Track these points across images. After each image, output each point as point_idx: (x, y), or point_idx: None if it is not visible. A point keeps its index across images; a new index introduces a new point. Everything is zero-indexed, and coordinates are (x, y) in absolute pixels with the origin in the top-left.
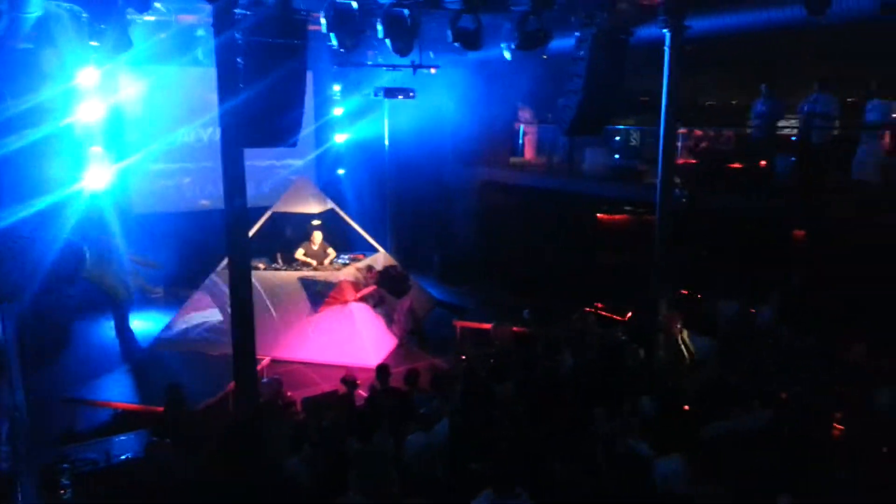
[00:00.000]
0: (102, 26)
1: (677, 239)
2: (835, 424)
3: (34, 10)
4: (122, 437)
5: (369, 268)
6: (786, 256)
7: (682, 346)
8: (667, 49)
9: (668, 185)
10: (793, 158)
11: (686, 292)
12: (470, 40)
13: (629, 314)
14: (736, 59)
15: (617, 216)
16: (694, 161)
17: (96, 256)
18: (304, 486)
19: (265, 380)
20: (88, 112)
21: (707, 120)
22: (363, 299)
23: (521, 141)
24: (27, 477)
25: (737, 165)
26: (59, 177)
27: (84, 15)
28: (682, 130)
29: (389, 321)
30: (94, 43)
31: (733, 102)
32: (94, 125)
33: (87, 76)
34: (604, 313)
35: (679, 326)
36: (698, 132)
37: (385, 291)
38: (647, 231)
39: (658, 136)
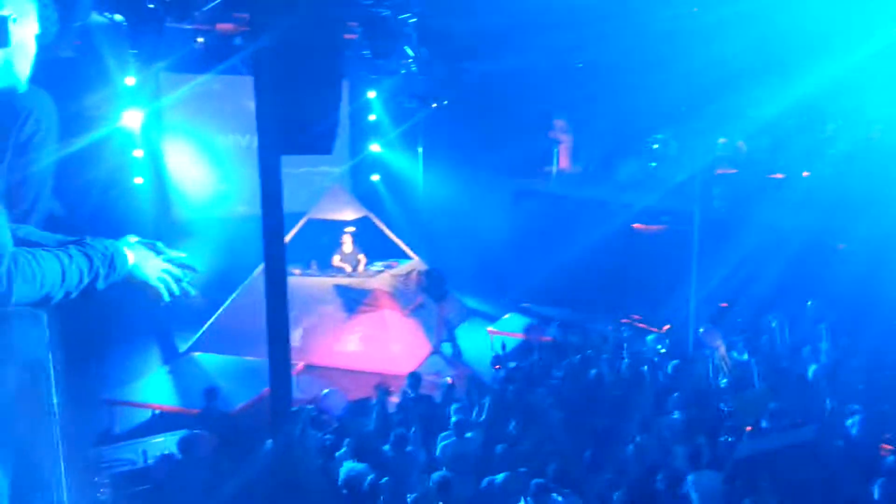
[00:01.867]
0: (142, 35)
1: (716, 250)
2: (883, 444)
3: (80, 20)
4: (160, 438)
5: (410, 272)
6: (828, 270)
7: (721, 361)
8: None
9: (706, 196)
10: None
11: (725, 305)
12: None
13: (666, 326)
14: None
15: (653, 226)
16: (734, 171)
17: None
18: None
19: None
20: (129, 118)
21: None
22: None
23: (555, 149)
24: (66, 478)
25: (778, 176)
26: (103, 182)
27: (124, 23)
28: (722, 140)
29: (428, 327)
30: (133, 51)
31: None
32: (135, 131)
33: (127, 83)
34: (640, 325)
35: (719, 342)
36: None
37: (426, 297)
38: (684, 242)
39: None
